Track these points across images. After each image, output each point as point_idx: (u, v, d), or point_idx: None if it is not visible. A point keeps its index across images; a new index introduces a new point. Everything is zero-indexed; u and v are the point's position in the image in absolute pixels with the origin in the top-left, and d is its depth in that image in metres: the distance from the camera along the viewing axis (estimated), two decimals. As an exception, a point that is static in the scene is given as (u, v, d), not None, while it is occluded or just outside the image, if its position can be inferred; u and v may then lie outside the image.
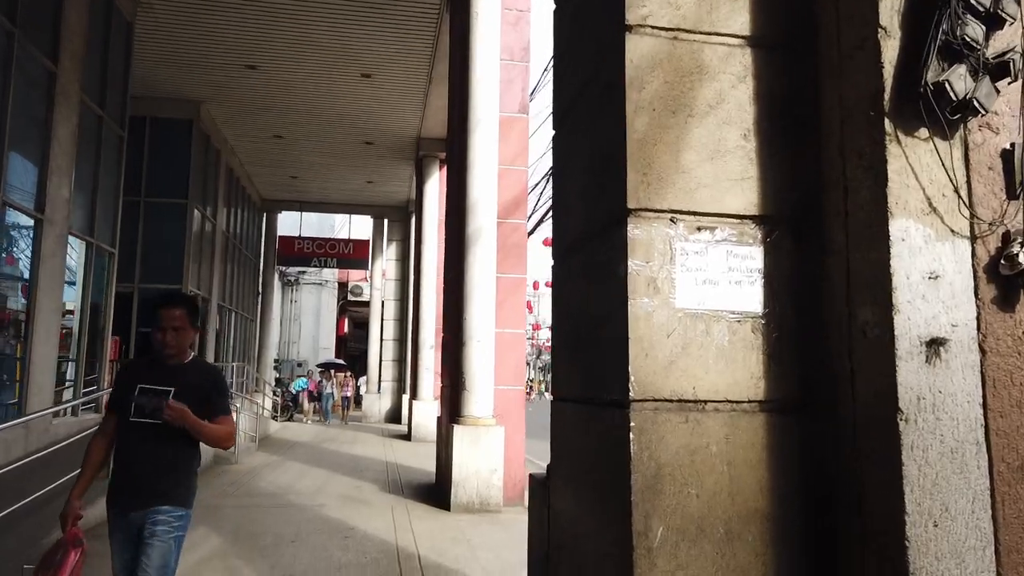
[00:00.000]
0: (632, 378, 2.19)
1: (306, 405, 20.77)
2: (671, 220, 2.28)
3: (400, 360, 22.25)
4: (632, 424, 2.16)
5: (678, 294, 2.26)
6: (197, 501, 6.83)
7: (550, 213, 10.05)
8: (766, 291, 2.30)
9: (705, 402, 2.22)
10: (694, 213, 2.29)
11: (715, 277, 2.28)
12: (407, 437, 15.64)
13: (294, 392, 21.24)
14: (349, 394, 21.47)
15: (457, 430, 7.25)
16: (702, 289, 2.28)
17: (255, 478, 9.34)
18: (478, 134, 7.56)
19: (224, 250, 17.03)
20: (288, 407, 20.83)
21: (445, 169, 16.59)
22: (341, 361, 25.47)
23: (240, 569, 4.92)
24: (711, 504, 2.17)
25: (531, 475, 3.60)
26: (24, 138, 7.53)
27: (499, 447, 7.28)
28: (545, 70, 13.53)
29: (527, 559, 3.43)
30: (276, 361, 26.64)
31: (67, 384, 9.04)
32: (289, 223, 23.87)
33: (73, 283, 9.05)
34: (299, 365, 26.84)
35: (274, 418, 18.21)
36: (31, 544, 5.09)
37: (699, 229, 2.28)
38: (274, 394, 20.70)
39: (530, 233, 10.70)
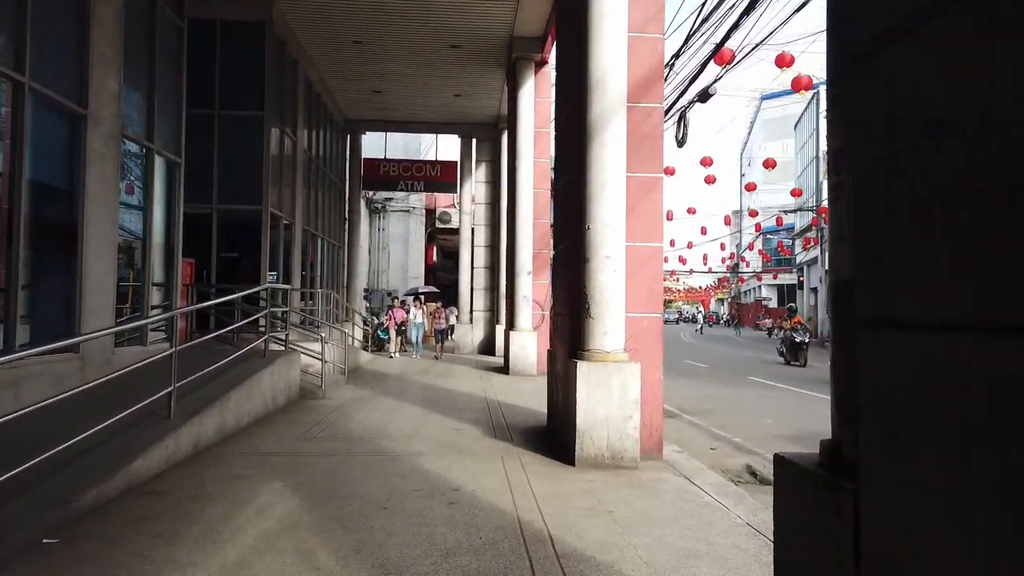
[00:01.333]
0: None
1: (392, 336, 18.70)
2: None
3: (492, 288, 21.05)
4: None
5: None
6: (277, 446, 5.69)
7: (684, 98, 8.06)
8: None
9: None
10: None
11: None
12: (504, 370, 14.46)
13: (382, 336, 19.33)
14: (443, 326, 19.17)
15: (581, 368, 5.78)
16: None
17: (342, 416, 8.27)
18: (606, -17, 5.80)
19: (306, 171, 15.97)
20: (378, 338, 19.60)
21: (542, 72, 14.78)
22: (432, 288, 24.23)
23: (314, 552, 3.67)
24: None
25: (782, 458, 2.08)
26: (54, 14, 6.31)
27: (634, 388, 5.79)
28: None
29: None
30: (366, 291, 26.00)
31: (133, 312, 8.11)
32: (373, 147, 22.69)
33: (134, 200, 8.00)
34: (388, 294, 26.11)
35: (365, 348, 17.43)
36: (58, 506, 4.00)
37: None
38: (364, 324, 19.94)
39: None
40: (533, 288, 14.37)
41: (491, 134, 20.80)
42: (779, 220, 36.08)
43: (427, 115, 20.12)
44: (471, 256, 21.49)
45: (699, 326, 59.21)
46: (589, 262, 5.94)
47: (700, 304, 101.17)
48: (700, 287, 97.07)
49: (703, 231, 44.07)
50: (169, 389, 5.76)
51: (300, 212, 15.11)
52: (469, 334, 20.95)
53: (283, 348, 9.75)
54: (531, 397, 10.63)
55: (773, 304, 74.23)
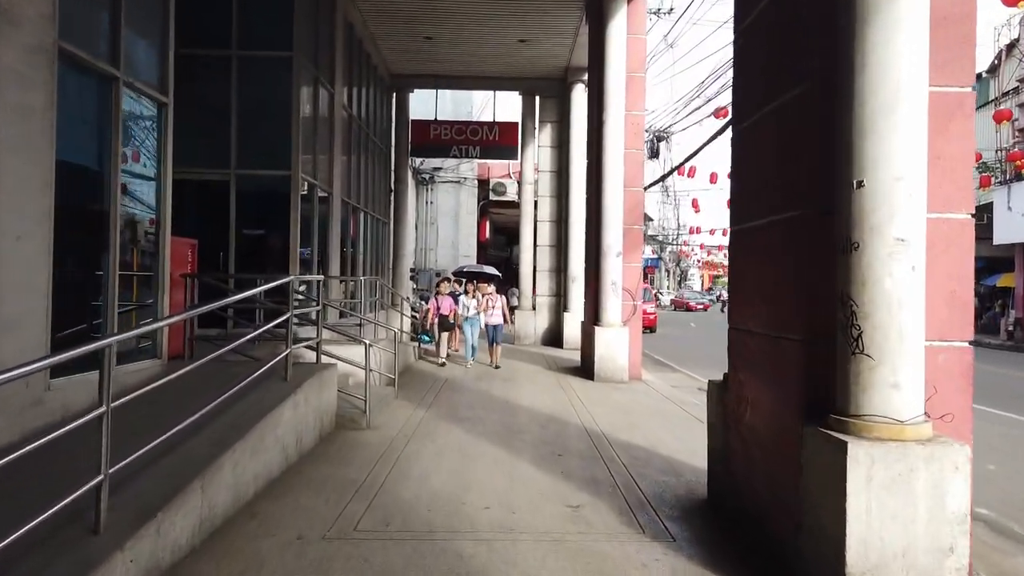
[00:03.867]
0: None
1: (436, 335, 13.39)
2: None
3: (558, 270, 18.33)
4: None
5: None
6: (296, 556, 3.07)
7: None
8: None
9: None
10: None
11: None
12: (585, 374, 11.76)
13: (425, 342, 14.08)
14: (498, 321, 13.17)
15: (856, 454, 3.01)
16: None
17: (395, 471, 5.68)
18: None
19: (347, 132, 13.38)
20: (420, 341, 14.29)
21: (635, 2, 11.84)
22: (488, 268, 21.02)
23: None
24: None
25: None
26: None
27: (961, 493, 3.02)
28: None
29: None
30: (412, 270, 23.50)
31: (89, 318, 5.59)
32: (422, 109, 19.93)
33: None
34: (437, 275, 23.54)
35: (413, 339, 14.80)
36: None
37: None
38: (413, 311, 17.38)
39: None
40: (623, 273, 11.60)
41: (558, 90, 17.91)
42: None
43: (484, 68, 17.30)
44: (533, 232, 18.74)
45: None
46: (861, 250, 3.16)
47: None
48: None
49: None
50: (97, 480, 3.21)
51: (339, 181, 12.54)
52: (531, 321, 18.29)
53: (315, 360, 7.23)
54: (642, 421, 7.94)
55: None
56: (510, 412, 8.46)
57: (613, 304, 11.50)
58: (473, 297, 13.48)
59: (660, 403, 9.44)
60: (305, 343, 7.20)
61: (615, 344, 11.34)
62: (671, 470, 5.91)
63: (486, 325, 13.18)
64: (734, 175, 4.71)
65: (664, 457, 6.36)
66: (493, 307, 13.26)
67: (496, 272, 16.23)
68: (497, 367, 12.66)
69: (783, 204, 3.85)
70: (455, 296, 13.83)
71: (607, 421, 7.96)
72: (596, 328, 11.45)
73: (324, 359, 7.39)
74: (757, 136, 4.30)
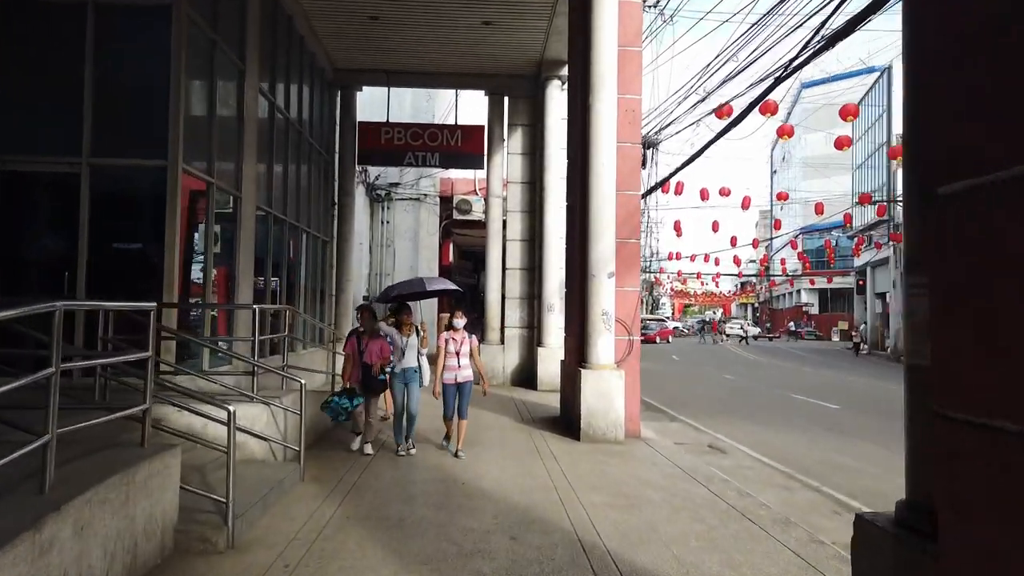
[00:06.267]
0: None
1: (367, 406, 7.80)
2: None
3: (530, 297, 15.69)
4: None
5: None
6: None
7: None
8: None
9: None
10: None
11: None
12: (566, 428, 9.05)
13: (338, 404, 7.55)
14: (468, 376, 7.73)
15: None
16: None
17: None
18: None
19: (267, 126, 10.66)
20: (337, 407, 7.56)
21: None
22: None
23: None
24: None
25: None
26: None
27: None
28: None
29: None
30: (366, 299, 20.64)
31: None
32: (375, 116, 17.26)
33: None
34: (364, 300, 20.61)
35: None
36: None
37: None
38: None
39: None
40: (616, 299, 8.99)
41: (530, 88, 15.44)
42: (819, 207, 30.48)
43: (444, 62, 14.75)
44: (502, 254, 16.07)
45: (743, 336, 52.15)
46: None
47: (721, 309, 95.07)
48: (728, 291, 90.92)
49: (733, 242, 38.59)
50: None
51: (253, 183, 9.77)
52: (500, 358, 15.54)
53: (142, 440, 4.43)
54: (661, 519, 5.18)
55: (815, 310, 68.13)
56: (466, 507, 5.68)
57: (604, 340, 8.86)
58: (409, 333, 7.84)
59: (677, 481, 6.75)
60: (128, 411, 4.40)
61: (608, 392, 8.66)
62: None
63: (447, 384, 7.65)
64: (935, 86, 2.09)
65: (724, 616, 3.66)
66: (459, 352, 7.74)
67: (453, 286, 9.45)
68: (458, 455, 7.52)
69: None
70: (382, 333, 7.98)
71: (611, 523, 5.24)
72: (582, 371, 8.78)
73: (167, 435, 4.63)
74: None
